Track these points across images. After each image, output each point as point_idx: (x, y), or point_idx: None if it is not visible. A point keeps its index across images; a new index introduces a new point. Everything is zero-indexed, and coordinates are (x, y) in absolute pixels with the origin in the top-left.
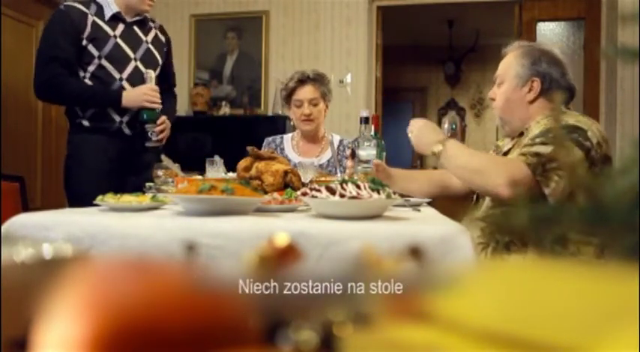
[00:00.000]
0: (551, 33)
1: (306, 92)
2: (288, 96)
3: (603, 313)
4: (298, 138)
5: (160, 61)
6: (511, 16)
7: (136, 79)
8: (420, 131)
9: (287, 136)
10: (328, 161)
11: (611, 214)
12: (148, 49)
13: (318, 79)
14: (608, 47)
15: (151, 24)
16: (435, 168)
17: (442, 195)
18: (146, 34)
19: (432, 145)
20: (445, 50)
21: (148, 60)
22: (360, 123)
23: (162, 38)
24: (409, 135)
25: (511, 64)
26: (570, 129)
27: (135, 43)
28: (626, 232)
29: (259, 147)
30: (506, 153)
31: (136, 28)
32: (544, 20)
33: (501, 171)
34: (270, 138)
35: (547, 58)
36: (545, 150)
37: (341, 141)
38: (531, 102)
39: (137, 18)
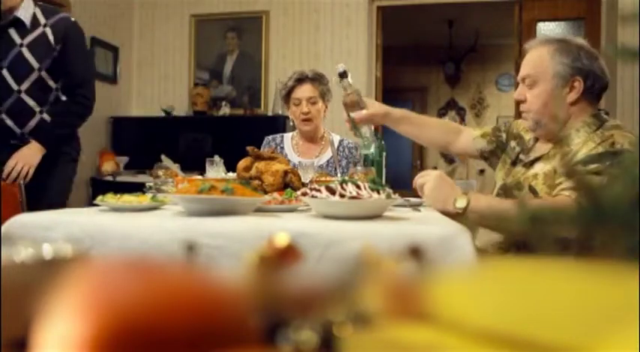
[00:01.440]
0: (551, 33)
1: (305, 90)
2: (287, 94)
3: (603, 313)
4: (298, 138)
5: (37, 65)
6: (511, 16)
7: (2, 88)
8: (436, 186)
9: (287, 135)
10: (328, 161)
11: (611, 214)
12: (19, 54)
13: (317, 78)
14: (608, 47)
15: (42, 21)
16: (435, 167)
17: (442, 150)
18: (24, 36)
19: (454, 200)
20: (445, 50)
21: (17, 65)
22: (339, 78)
23: (52, 38)
24: (416, 185)
25: (546, 62)
26: (619, 150)
27: (6, 48)
28: (626, 232)
29: (259, 147)
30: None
31: (12, 30)
32: (544, 20)
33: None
34: (270, 137)
35: (585, 52)
36: (597, 181)
37: (341, 142)
38: (573, 103)
39: (10, 18)
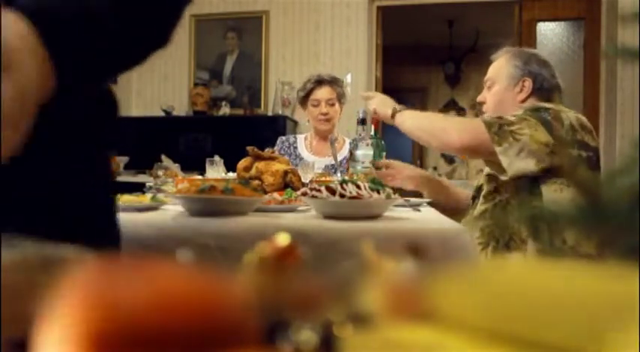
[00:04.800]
0: (551, 33)
1: (324, 92)
2: (306, 96)
3: (603, 313)
4: (311, 138)
5: None
6: (511, 16)
7: None
8: (380, 98)
9: (300, 136)
10: (341, 162)
11: (611, 214)
12: None
13: (334, 81)
14: (608, 47)
15: None
16: (435, 168)
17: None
18: None
19: (392, 108)
20: (445, 50)
21: None
22: (357, 124)
23: None
24: (365, 99)
25: (502, 66)
26: (543, 110)
27: None
28: (626, 232)
29: (259, 147)
30: None
31: None
32: (544, 20)
33: (456, 126)
34: (284, 137)
35: (537, 59)
36: (509, 118)
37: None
38: (522, 101)
39: None
